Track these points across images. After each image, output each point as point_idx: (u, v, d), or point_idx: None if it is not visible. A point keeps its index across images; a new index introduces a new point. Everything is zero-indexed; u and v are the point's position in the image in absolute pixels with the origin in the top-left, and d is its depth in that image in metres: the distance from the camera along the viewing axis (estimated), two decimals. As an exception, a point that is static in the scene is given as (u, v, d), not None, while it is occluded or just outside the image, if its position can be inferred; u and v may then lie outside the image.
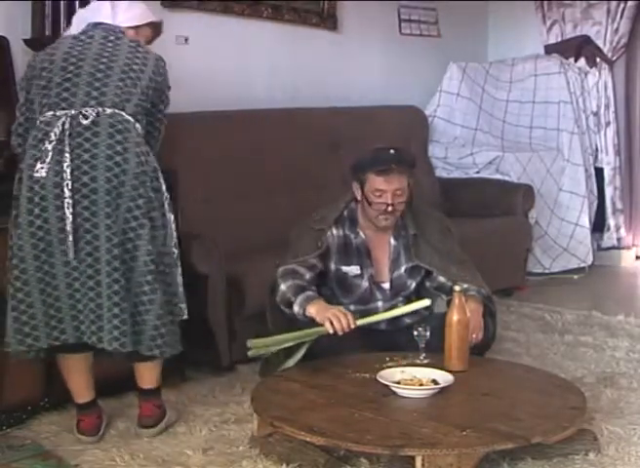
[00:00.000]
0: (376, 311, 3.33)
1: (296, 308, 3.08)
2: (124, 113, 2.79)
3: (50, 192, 2.71)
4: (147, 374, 2.98)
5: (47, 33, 3.46)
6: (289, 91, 4.89)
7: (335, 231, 3.34)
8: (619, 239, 5.97)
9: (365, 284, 3.35)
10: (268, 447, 2.75)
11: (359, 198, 3.32)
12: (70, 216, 2.68)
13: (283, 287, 3.15)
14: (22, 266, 2.75)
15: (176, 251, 2.92)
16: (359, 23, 5.33)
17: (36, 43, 3.52)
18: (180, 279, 2.94)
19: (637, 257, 6.11)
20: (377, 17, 5.46)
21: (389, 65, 5.58)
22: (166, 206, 2.88)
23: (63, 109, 2.76)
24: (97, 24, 2.95)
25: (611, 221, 5.92)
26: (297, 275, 3.16)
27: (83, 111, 2.74)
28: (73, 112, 2.74)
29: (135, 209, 2.74)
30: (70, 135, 2.71)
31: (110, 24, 2.96)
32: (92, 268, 2.73)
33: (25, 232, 2.73)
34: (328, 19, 5.13)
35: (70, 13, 3.45)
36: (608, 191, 5.88)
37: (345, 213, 3.39)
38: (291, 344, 3.05)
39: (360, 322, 3.03)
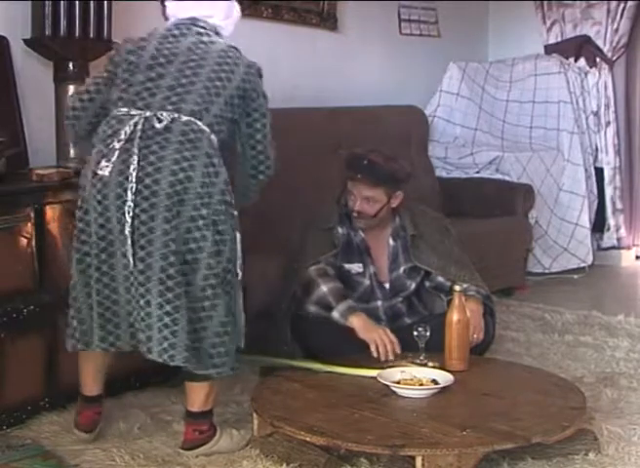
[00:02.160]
0: (375, 310, 3.34)
1: (336, 314, 3.14)
2: (200, 123, 2.65)
3: (112, 190, 2.61)
4: (193, 395, 2.79)
5: (47, 33, 3.46)
6: (289, 91, 4.89)
7: (340, 229, 3.36)
8: (619, 239, 5.96)
9: (366, 282, 3.36)
10: (268, 447, 2.75)
11: None
12: (130, 220, 2.58)
13: (324, 288, 3.18)
14: (89, 265, 2.69)
15: (240, 273, 2.76)
16: (359, 23, 5.33)
17: (36, 43, 3.53)
18: (241, 304, 2.78)
19: (637, 257, 6.10)
20: (377, 17, 5.45)
21: (389, 65, 5.58)
22: (235, 223, 2.74)
23: (139, 109, 2.67)
24: (194, 20, 2.84)
25: (611, 221, 5.92)
26: (332, 277, 3.20)
27: (158, 114, 2.65)
28: (148, 114, 2.65)
29: (198, 218, 2.60)
30: (141, 137, 2.62)
31: (208, 23, 2.85)
32: (143, 275, 2.60)
33: (92, 231, 2.67)
34: (328, 19, 5.13)
35: (70, 13, 3.46)
36: (608, 191, 5.87)
37: (344, 210, 3.39)
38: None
39: (327, 369, 3.00)
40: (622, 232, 5.97)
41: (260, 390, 2.90)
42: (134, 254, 2.60)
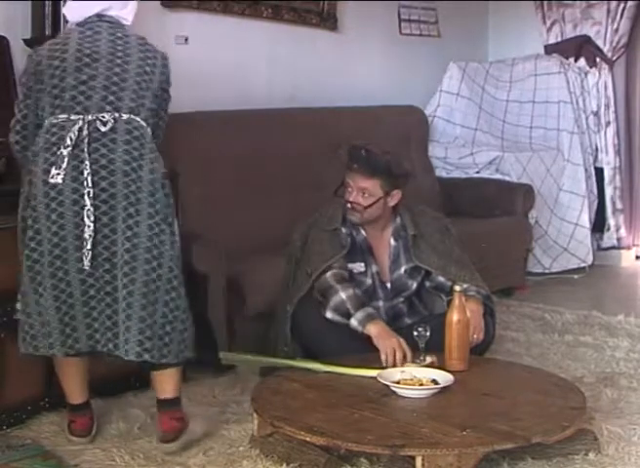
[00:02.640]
0: (377, 310, 3.32)
1: (354, 322, 3.12)
2: (138, 118, 2.72)
3: (67, 198, 2.64)
4: (164, 384, 2.84)
5: (47, 33, 3.46)
6: (289, 91, 4.89)
7: (344, 229, 3.36)
8: (619, 239, 5.96)
9: (369, 281, 3.35)
10: (268, 447, 2.75)
11: None
12: (91, 225, 2.63)
13: (343, 295, 3.17)
14: (38, 273, 2.69)
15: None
16: (359, 23, 5.33)
17: (36, 43, 3.52)
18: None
19: (637, 257, 6.10)
20: (377, 17, 5.46)
21: (389, 65, 5.58)
22: (174, 214, 2.80)
23: (78, 114, 2.67)
24: (99, 16, 2.82)
25: (611, 221, 5.92)
26: (349, 282, 3.21)
27: (100, 117, 2.66)
28: (90, 118, 2.66)
29: (155, 214, 2.68)
30: (88, 141, 2.64)
31: (111, 17, 2.84)
32: (109, 274, 2.67)
33: (44, 238, 2.66)
34: (328, 19, 5.13)
35: (70, 13, 3.46)
36: (608, 191, 5.88)
37: (345, 210, 3.39)
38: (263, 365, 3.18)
39: (327, 369, 2.99)
40: (622, 232, 5.98)
41: (260, 390, 2.90)
42: (95, 256, 2.65)
